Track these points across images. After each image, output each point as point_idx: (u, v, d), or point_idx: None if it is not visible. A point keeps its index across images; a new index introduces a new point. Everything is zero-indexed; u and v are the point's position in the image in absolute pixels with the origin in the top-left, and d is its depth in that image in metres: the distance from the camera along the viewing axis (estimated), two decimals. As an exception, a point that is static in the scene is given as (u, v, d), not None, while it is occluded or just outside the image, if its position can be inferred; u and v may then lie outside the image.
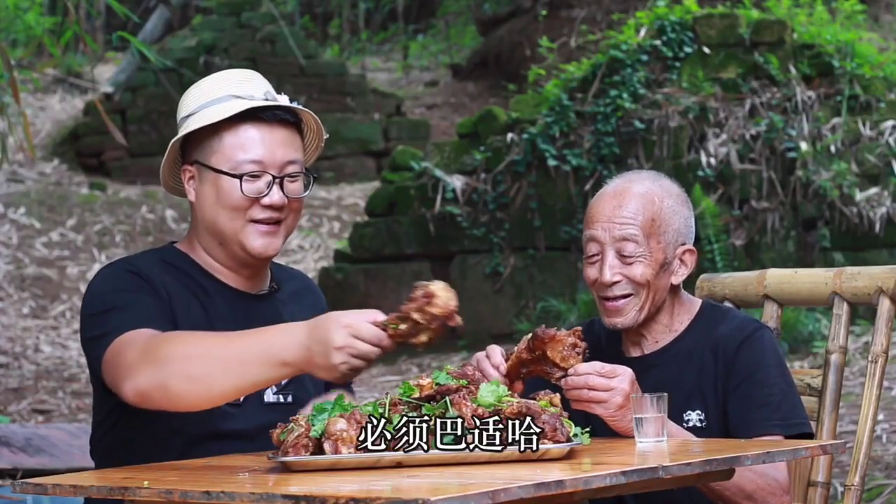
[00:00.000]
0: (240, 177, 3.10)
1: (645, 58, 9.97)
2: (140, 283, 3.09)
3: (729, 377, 3.22)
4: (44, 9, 15.61)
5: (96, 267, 12.09)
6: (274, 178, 3.12)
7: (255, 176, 3.11)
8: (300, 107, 3.20)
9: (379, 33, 19.33)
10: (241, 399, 3.08)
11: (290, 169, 3.14)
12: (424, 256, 10.21)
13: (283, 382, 3.10)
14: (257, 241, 3.14)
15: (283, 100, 3.18)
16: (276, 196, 3.12)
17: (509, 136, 9.99)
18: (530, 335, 3.09)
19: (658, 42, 9.98)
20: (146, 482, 2.63)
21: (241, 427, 3.10)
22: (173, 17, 17.44)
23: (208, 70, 14.57)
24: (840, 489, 4.64)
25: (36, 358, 10.04)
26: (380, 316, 2.81)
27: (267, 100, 3.16)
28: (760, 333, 3.26)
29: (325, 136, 3.30)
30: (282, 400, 3.18)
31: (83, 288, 10.86)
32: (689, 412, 3.21)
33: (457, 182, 10.01)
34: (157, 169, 3.24)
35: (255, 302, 3.22)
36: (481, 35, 16.32)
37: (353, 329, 2.79)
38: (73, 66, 16.55)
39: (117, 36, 12.56)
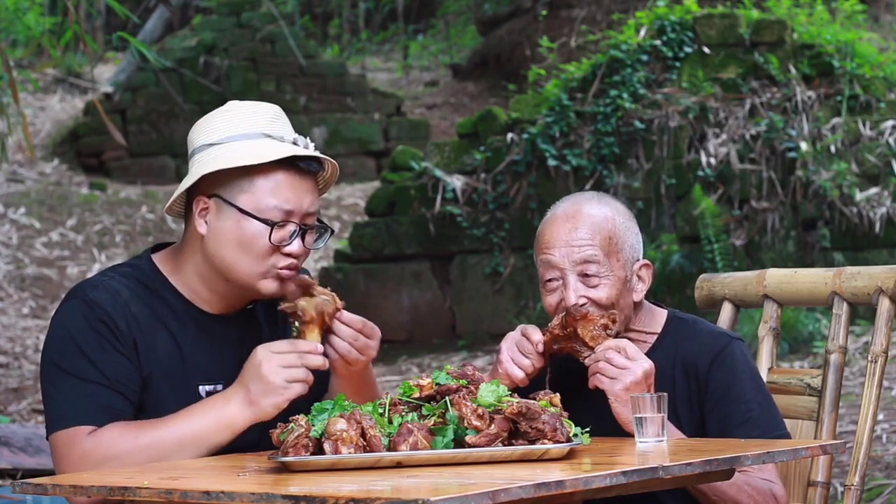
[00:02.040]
0: (271, 224, 3.07)
1: (645, 58, 9.97)
2: (103, 339, 3.07)
3: (704, 397, 3.19)
4: (44, 9, 15.60)
5: (97, 267, 12.10)
6: (299, 227, 3.10)
7: (282, 224, 3.09)
8: (329, 158, 3.19)
9: (379, 33, 19.33)
10: None
11: (310, 220, 3.13)
12: (424, 256, 10.21)
13: None
14: (272, 285, 3.12)
15: (310, 146, 3.17)
16: (296, 246, 3.10)
17: (509, 136, 9.99)
18: (564, 312, 3.11)
19: (658, 42, 9.98)
20: (146, 482, 2.63)
21: (223, 449, 3.09)
22: (173, 17, 17.44)
23: (208, 70, 14.58)
24: (840, 489, 4.65)
25: (36, 358, 10.03)
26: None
27: (296, 144, 3.14)
28: (731, 348, 3.21)
29: (334, 182, 3.29)
30: None
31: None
32: None
33: (457, 182, 10.02)
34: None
35: (228, 324, 3.20)
36: (481, 35, 16.32)
37: (269, 346, 3.01)
38: (73, 66, 16.55)
39: (117, 36, 12.56)
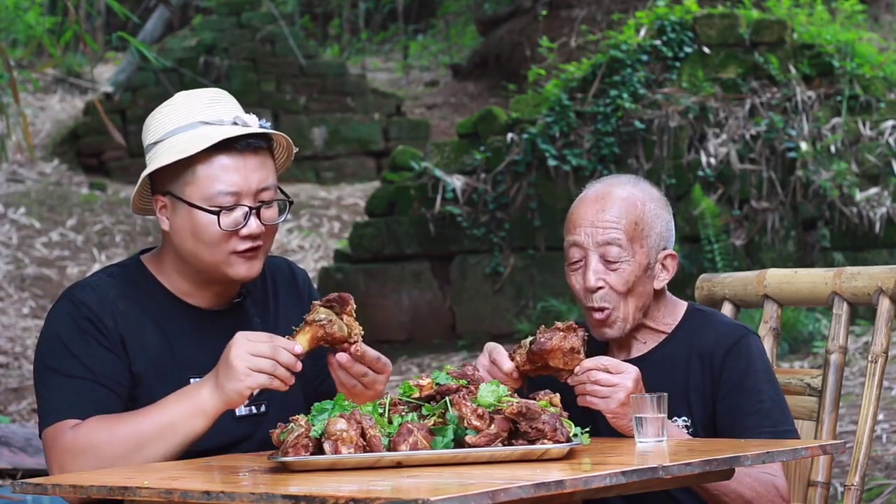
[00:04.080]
0: (217, 212, 3.07)
1: (645, 58, 9.97)
2: (89, 336, 3.09)
3: (717, 386, 3.19)
4: (44, 9, 15.60)
5: (96, 267, 12.10)
6: (250, 209, 3.09)
7: (230, 208, 3.08)
8: (270, 130, 3.15)
9: (379, 33, 19.33)
10: None
11: (265, 196, 3.11)
12: (424, 256, 10.21)
13: (255, 393, 3.00)
14: (241, 268, 3.12)
15: (253, 120, 3.14)
16: (253, 226, 3.09)
17: (509, 136, 9.99)
18: (526, 350, 3.08)
19: (658, 42, 9.98)
20: (146, 482, 2.64)
21: (215, 443, 3.08)
22: (173, 17, 17.44)
23: (208, 70, 14.59)
24: (840, 489, 4.64)
25: (36, 358, 10.03)
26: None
27: (236, 124, 3.12)
28: (747, 340, 3.22)
29: (295, 150, 3.26)
30: (254, 411, 3.17)
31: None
32: (675, 418, 3.17)
33: (457, 182, 10.01)
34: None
35: (218, 318, 3.20)
36: (481, 35, 16.32)
37: (248, 333, 2.96)
38: (73, 66, 16.55)
39: (117, 36, 12.56)
